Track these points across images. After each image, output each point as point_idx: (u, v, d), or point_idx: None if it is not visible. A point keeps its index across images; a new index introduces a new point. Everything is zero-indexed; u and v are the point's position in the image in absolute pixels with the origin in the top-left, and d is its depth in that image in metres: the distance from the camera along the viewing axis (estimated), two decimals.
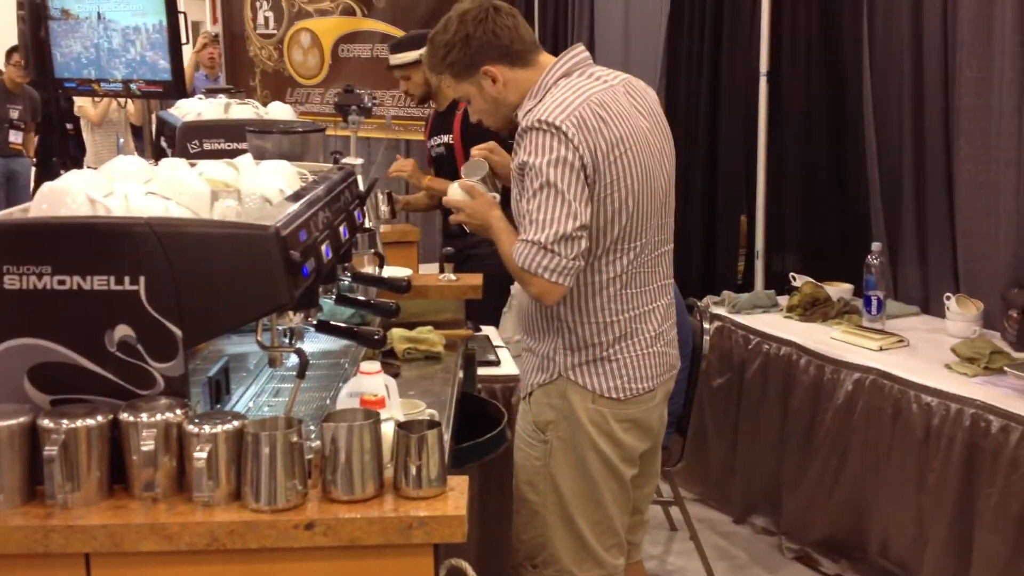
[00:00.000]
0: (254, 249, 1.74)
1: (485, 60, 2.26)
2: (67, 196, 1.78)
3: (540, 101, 2.21)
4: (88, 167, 7.68)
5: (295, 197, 2.06)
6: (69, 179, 1.85)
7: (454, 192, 2.42)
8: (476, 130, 4.13)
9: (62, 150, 7.29)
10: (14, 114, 7.60)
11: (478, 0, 2.30)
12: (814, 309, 3.76)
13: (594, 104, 2.18)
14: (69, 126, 7.88)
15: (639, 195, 2.21)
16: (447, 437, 2.17)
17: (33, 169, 7.96)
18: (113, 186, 1.89)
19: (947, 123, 3.69)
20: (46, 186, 1.82)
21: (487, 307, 3.49)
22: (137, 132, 7.48)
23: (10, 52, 7.66)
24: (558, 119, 2.13)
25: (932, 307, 3.78)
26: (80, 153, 8.01)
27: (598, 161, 2.14)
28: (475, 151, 2.62)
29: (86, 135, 7.70)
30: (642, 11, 5.13)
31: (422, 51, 4.24)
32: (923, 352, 3.36)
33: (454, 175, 4.30)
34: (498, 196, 2.45)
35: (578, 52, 2.33)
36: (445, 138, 4.36)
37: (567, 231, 2.10)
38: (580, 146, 2.12)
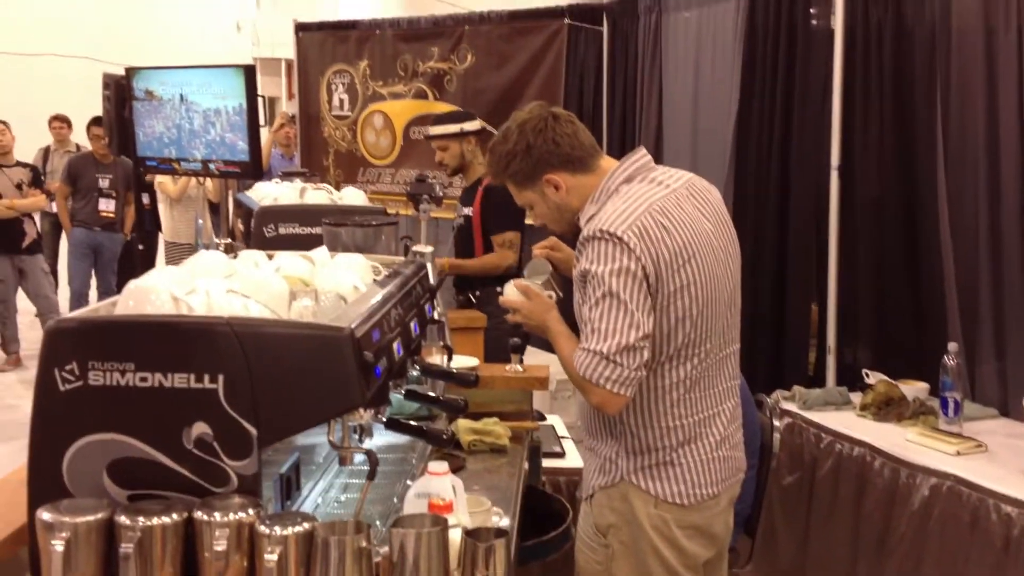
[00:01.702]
0: (329, 350, 1.76)
1: (547, 168, 2.28)
2: (152, 294, 1.83)
3: (602, 208, 2.21)
4: (165, 241, 7.88)
5: (369, 295, 2.09)
6: (154, 277, 1.90)
7: (510, 292, 2.43)
8: (495, 206, 4.31)
9: (139, 225, 7.48)
10: (104, 183, 7.72)
11: (537, 109, 2.33)
12: (888, 409, 3.68)
13: (656, 212, 2.17)
14: (146, 200, 8.09)
15: (703, 301, 2.20)
16: (513, 539, 2.15)
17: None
18: (196, 283, 1.94)
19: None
20: (132, 283, 1.88)
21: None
22: (214, 208, 7.67)
23: (89, 125, 7.87)
24: (620, 229, 2.13)
25: (1011, 410, 3.68)
26: (156, 227, 8.21)
27: (661, 270, 2.13)
28: (536, 250, 2.63)
29: (163, 210, 7.89)
30: (711, 101, 5.16)
31: (462, 125, 4.57)
32: (1002, 458, 3.26)
33: (469, 247, 4.49)
34: (555, 296, 2.46)
35: (640, 156, 2.33)
36: (466, 210, 4.55)
37: (629, 342, 2.09)
38: (642, 256, 2.11)
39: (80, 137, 9.16)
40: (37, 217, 7.99)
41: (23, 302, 7.78)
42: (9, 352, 7.74)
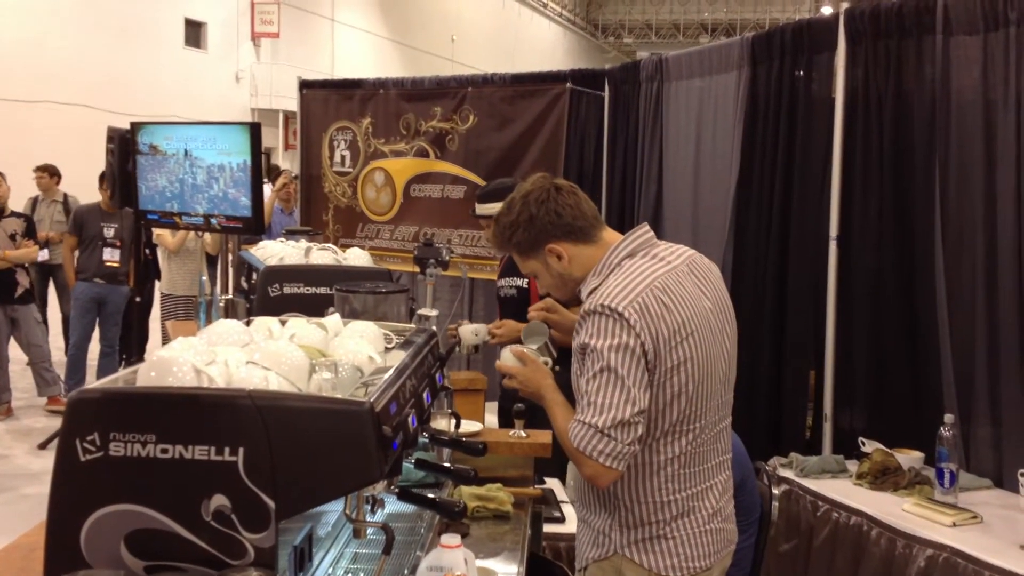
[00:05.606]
0: (349, 425, 1.78)
1: (549, 238, 2.32)
2: (174, 365, 1.86)
3: (604, 282, 2.25)
4: (161, 292, 7.88)
5: (384, 367, 2.12)
6: (176, 348, 1.93)
7: (506, 358, 2.47)
8: None
9: (138, 276, 7.48)
10: (109, 232, 7.70)
11: (540, 180, 2.39)
12: (885, 478, 3.72)
13: (657, 289, 2.21)
14: (148, 251, 8.11)
15: (699, 378, 2.23)
16: None
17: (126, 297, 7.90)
18: (215, 352, 1.97)
19: (1021, 293, 3.69)
20: (155, 354, 1.90)
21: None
22: (212, 261, 7.70)
23: (102, 177, 7.91)
24: (620, 305, 2.16)
25: (1005, 481, 3.71)
26: (156, 278, 8.22)
27: (659, 347, 2.16)
28: (532, 312, 2.67)
29: (162, 262, 7.91)
30: (711, 168, 5.23)
31: None
32: (997, 530, 3.29)
33: (522, 316, 4.43)
34: (551, 362, 2.50)
35: (643, 232, 2.37)
36: (519, 281, 4.46)
37: (624, 417, 2.12)
38: (642, 332, 2.14)
39: (70, 187, 9.17)
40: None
41: (14, 351, 7.77)
42: (0, 402, 7.71)
